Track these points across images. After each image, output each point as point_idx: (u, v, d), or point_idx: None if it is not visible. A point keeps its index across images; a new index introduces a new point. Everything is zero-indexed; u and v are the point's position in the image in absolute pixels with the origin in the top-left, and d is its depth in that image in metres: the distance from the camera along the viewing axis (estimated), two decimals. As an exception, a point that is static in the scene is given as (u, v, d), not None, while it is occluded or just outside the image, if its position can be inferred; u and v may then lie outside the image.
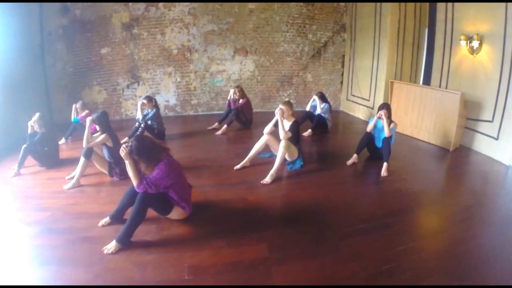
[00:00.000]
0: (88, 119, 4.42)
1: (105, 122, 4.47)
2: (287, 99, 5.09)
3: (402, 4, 6.67)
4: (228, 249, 2.87)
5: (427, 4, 6.46)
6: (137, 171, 3.11)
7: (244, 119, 6.88)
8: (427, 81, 6.46)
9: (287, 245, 2.93)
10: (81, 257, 2.95)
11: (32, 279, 2.64)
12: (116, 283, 2.60)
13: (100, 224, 3.37)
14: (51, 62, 7.82)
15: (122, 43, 7.93)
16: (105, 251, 2.96)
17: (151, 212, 3.18)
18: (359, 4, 7.89)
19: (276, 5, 8.04)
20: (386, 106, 4.68)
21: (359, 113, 7.91)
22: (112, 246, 2.99)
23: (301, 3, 8.16)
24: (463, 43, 5.36)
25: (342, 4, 8.32)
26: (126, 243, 3.02)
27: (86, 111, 6.48)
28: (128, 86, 8.09)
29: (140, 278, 2.65)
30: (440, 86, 5.93)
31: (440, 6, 5.95)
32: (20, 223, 3.54)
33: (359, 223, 3.27)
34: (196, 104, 8.47)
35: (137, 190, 3.10)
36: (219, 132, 6.42)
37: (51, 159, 5.19)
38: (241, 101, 6.69)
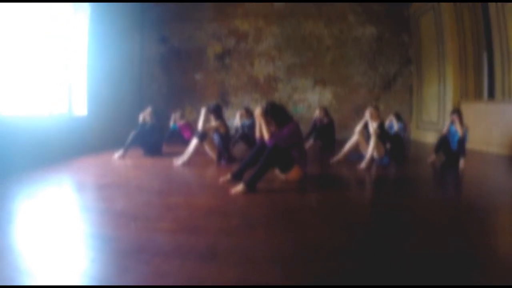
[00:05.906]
0: (203, 109, 4.97)
1: (219, 112, 5.14)
2: (374, 103, 5.59)
3: (461, 30, 7.25)
4: (340, 197, 3.44)
5: (483, 27, 6.98)
6: (269, 128, 3.61)
7: (326, 138, 7.13)
8: (491, 97, 6.85)
9: (380, 200, 3.53)
10: (209, 194, 3.34)
11: (172, 201, 3.03)
12: (248, 207, 2.89)
13: (221, 180, 3.75)
14: (147, 83, 9.25)
15: (215, 71, 9.29)
16: (232, 191, 3.25)
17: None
18: (422, 36, 8.61)
19: (349, 41, 9.08)
20: (457, 111, 5.14)
21: (430, 138, 8.14)
22: (239, 187, 3.26)
23: (371, 39, 9.07)
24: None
25: (406, 39, 9.09)
26: (252, 188, 3.28)
27: (184, 121, 7.49)
28: (218, 109, 9.30)
29: (272, 204, 3.00)
30: (503, 99, 6.31)
31: (494, 27, 6.49)
32: (137, 187, 3.76)
33: (448, 190, 4.14)
34: (279, 127, 9.35)
35: (268, 143, 3.55)
36: (306, 145, 6.87)
37: (155, 149, 5.64)
38: (325, 120, 7.20)
